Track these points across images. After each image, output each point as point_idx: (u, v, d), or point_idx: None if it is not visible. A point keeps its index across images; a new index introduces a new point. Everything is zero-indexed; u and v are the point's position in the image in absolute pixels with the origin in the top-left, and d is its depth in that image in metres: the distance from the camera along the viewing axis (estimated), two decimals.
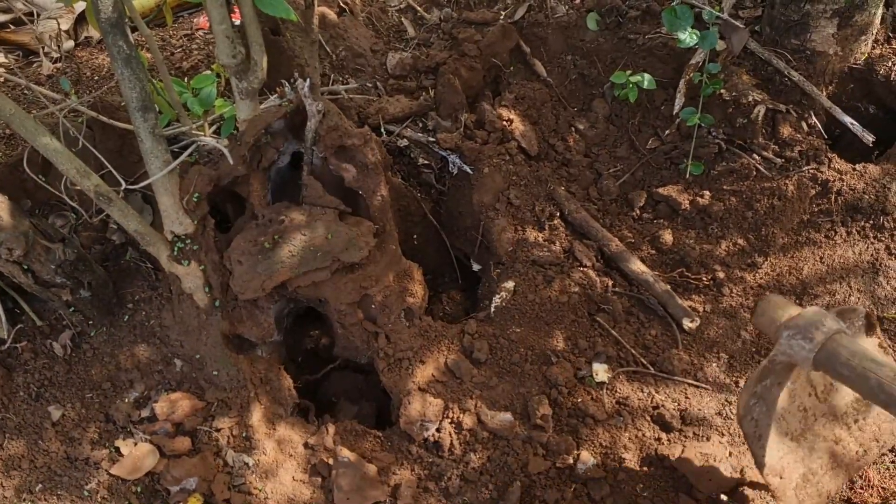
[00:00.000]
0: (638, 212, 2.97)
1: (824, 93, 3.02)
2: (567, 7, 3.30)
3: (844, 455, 1.85)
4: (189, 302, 2.33)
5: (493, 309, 2.60)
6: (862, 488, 2.22)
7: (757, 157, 2.93)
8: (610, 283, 2.70)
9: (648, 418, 2.40)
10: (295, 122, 2.34)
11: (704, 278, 2.76)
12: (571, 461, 2.28)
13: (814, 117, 3.00)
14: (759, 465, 1.75)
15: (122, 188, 2.18)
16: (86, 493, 2.16)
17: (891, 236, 2.74)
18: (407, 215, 2.88)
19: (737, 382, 2.50)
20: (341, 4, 3.32)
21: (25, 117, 1.89)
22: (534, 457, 2.29)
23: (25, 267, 2.19)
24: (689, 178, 2.98)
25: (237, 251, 2.28)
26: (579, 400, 2.40)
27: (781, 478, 1.76)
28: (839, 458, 1.84)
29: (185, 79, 2.67)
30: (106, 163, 2.31)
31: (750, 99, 2.93)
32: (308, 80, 2.19)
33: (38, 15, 3.19)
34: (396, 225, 2.69)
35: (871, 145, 2.93)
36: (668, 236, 2.85)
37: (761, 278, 2.74)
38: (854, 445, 1.87)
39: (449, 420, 2.33)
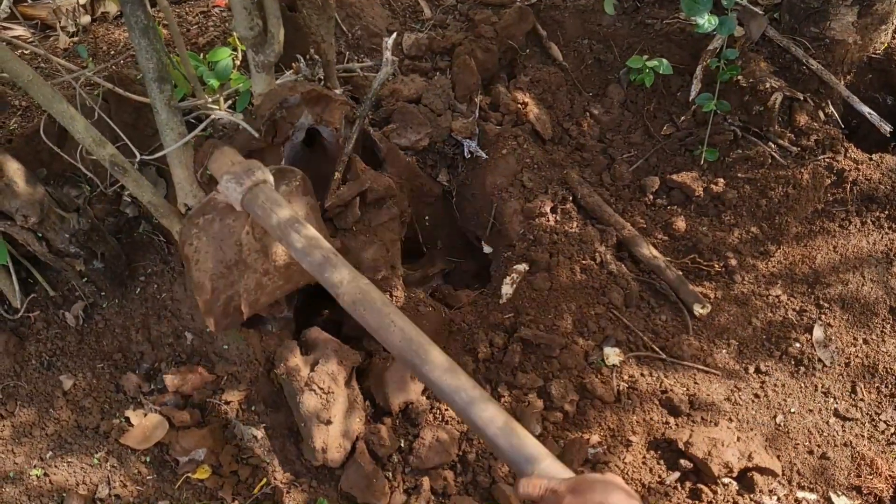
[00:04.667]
0: (651, 198, 2.96)
1: (842, 82, 2.99)
2: None
3: (269, 284, 2.26)
4: None
5: (503, 291, 2.60)
6: (870, 475, 2.22)
7: (772, 146, 2.91)
8: (621, 267, 2.69)
9: (657, 402, 2.39)
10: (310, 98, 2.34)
11: (716, 265, 2.75)
12: None
13: (831, 106, 2.98)
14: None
15: (137, 160, 2.19)
16: (95, 462, 2.18)
17: None
18: (420, 196, 2.88)
19: (746, 369, 2.50)
20: None
21: (43, 84, 1.89)
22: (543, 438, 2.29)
23: (40, 235, 2.20)
24: (703, 164, 2.96)
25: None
26: (587, 382, 2.40)
27: (209, 296, 2.09)
28: (265, 287, 2.24)
29: (201, 55, 2.67)
30: (121, 134, 2.32)
31: (767, 86, 2.90)
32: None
33: None
34: (410, 205, 2.69)
35: (888, 135, 2.91)
36: (680, 223, 2.83)
37: (774, 266, 2.73)
38: (279, 279, 2.27)
39: None
